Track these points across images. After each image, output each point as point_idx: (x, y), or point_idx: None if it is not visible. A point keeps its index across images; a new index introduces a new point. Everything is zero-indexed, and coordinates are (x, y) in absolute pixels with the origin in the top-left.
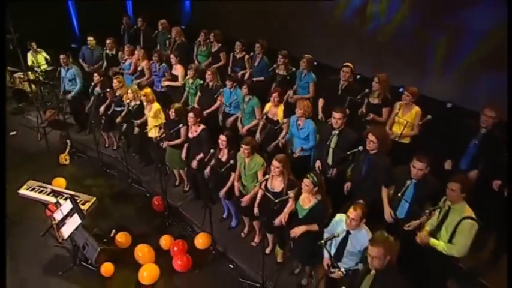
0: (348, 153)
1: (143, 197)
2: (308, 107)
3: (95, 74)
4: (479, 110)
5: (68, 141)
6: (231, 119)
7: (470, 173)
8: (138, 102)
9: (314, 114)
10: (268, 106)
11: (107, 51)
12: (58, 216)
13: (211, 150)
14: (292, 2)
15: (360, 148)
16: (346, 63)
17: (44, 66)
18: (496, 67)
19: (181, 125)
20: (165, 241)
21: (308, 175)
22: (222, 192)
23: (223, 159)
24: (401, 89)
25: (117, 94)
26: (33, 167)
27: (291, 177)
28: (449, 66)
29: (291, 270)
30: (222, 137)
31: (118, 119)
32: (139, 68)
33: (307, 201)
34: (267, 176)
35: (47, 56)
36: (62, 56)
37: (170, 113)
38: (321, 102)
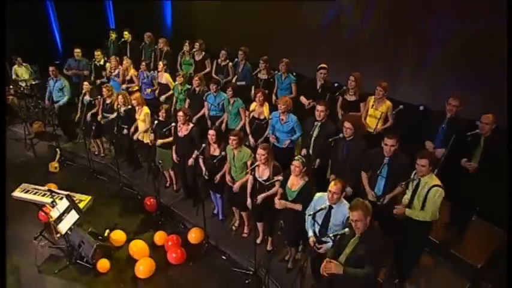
0: (330, 140)
1: (135, 199)
2: (290, 102)
3: (85, 83)
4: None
5: (57, 149)
6: (219, 121)
7: (438, 150)
8: (129, 107)
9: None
10: (253, 105)
11: (96, 62)
12: (55, 214)
13: (203, 145)
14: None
15: (341, 135)
16: (322, 65)
17: (30, 81)
18: (460, 69)
19: (173, 124)
20: (158, 237)
21: (297, 157)
22: (217, 176)
23: (215, 153)
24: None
25: (107, 102)
26: (23, 175)
27: (275, 164)
28: (419, 71)
29: (282, 257)
30: (211, 132)
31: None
32: (128, 78)
33: (296, 183)
34: (256, 163)
35: (32, 70)
36: (51, 68)
37: (161, 114)
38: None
